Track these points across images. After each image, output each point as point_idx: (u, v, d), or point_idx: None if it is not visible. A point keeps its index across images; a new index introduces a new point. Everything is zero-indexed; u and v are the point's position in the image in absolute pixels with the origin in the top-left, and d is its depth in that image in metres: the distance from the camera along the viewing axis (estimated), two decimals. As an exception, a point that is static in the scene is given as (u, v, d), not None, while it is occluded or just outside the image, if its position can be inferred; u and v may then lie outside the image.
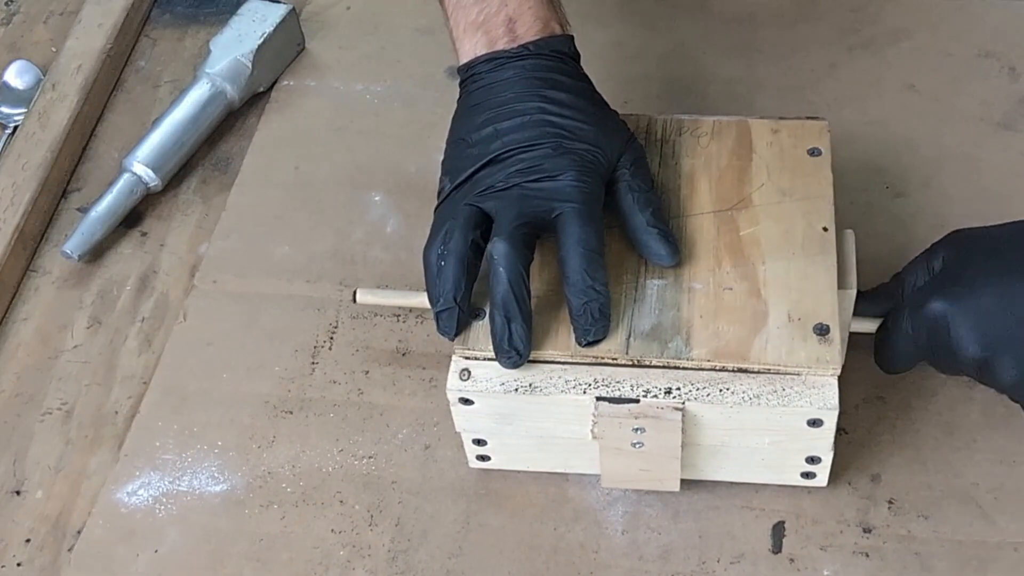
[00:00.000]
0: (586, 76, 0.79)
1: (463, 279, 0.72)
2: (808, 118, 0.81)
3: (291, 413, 0.83)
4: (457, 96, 0.79)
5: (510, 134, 0.75)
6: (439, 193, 0.77)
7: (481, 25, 0.78)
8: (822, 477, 0.75)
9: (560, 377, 0.72)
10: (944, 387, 0.80)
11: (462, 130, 0.77)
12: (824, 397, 0.69)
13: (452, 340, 0.73)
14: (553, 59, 0.77)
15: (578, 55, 0.79)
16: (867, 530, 0.75)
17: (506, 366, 0.71)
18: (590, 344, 0.71)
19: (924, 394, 0.80)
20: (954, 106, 0.96)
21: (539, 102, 0.75)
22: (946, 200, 0.90)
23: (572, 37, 0.79)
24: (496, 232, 0.72)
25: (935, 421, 0.79)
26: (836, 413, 0.69)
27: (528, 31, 0.77)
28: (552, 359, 0.72)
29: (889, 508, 0.76)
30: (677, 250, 0.74)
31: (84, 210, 0.95)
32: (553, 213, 0.73)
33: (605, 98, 0.79)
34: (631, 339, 0.72)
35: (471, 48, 0.78)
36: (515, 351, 0.71)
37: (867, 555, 0.74)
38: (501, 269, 0.71)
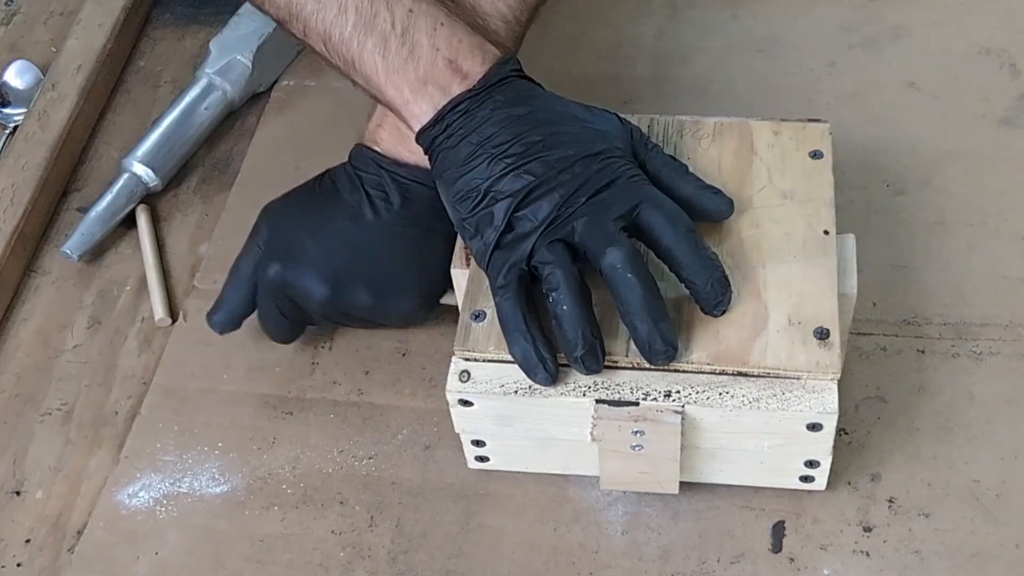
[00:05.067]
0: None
1: (589, 314, 0.70)
2: (810, 120, 0.81)
3: (291, 414, 0.83)
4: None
5: (530, 163, 0.71)
6: (472, 249, 0.73)
7: (426, 79, 0.73)
8: (820, 481, 0.75)
9: (560, 379, 0.71)
10: (944, 386, 0.80)
11: (472, 182, 0.72)
12: (824, 401, 0.69)
13: (599, 374, 0.71)
14: (516, 78, 0.74)
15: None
16: (867, 529, 0.75)
17: (659, 364, 0.70)
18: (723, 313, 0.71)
19: (924, 394, 0.80)
20: (954, 103, 0.96)
21: (537, 126, 0.72)
22: (947, 198, 0.90)
23: (513, 53, 0.78)
24: (602, 244, 0.69)
25: (935, 421, 0.79)
26: (836, 417, 0.69)
27: (474, 65, 0.73)
28: (552, 361, 0.72)
29: (889, 507, 0.76)
30: (730, 199, 0.75)
31: (84, 210, 0.95)
32: (634, 214, 0.71)
33: (605, 99, 0.79)
34: (631, 342, 0.71)
35: (428, 104, 0.73)
36: (670, 346, 0.69)
37: (867, 554, 0.74)
38: (629, 275, 0.69)
